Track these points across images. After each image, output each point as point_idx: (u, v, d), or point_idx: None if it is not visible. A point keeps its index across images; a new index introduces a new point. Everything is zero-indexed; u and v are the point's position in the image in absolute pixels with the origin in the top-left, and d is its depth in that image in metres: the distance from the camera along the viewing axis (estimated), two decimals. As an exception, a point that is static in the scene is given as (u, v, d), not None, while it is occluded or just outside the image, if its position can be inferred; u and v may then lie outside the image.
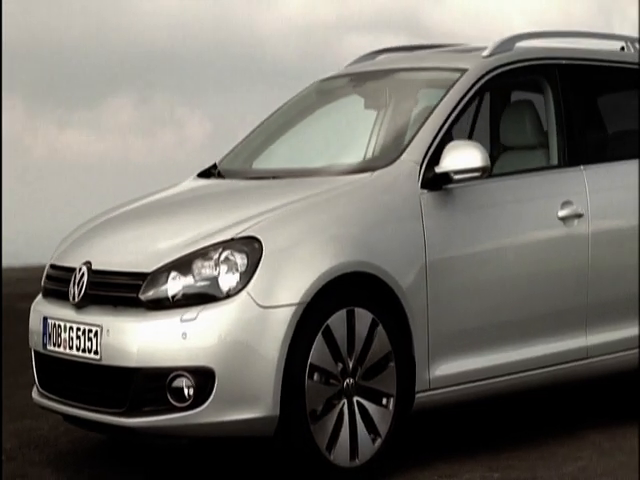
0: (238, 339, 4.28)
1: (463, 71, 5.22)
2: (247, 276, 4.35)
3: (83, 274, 4.67)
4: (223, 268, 4.38)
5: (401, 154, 4.88)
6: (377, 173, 4.84)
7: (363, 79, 5.78)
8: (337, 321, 4.47)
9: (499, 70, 5.27)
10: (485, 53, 5.36)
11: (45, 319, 4.80)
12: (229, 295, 4.32)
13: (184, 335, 4.29)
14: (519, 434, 5.37)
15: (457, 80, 5.15)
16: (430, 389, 4.76)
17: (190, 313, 4.32)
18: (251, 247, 4.39)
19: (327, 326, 4.44)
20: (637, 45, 6.03)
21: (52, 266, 5.03)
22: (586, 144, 5.47)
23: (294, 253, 4.44)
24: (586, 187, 5.37)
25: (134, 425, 4.39)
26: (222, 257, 4.39)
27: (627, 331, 5.48)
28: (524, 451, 5.00)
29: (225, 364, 4.28)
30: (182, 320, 4.31)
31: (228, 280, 4.36)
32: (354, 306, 4.52)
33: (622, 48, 6.18)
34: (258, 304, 4.32)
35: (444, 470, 4.71)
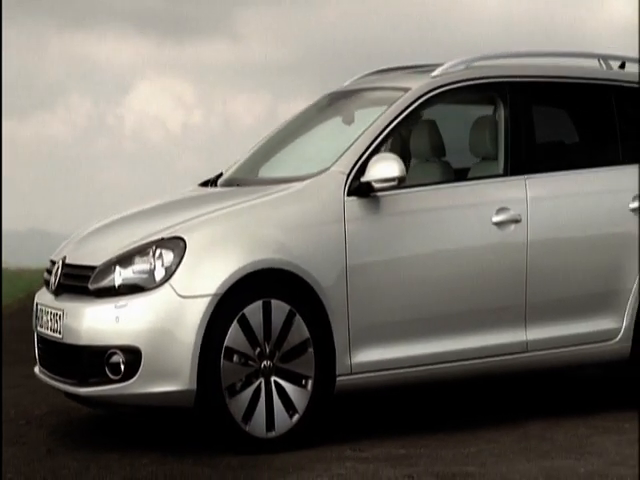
0: (160, 324, 5.07)
1: (406, 90, 5.79)
2: (171, 270, 5.12)
3: (59, 267, 5.58)
4: (154, 263, 5.16)
5: (331, 166, 5.53)
6: (306, 182, 5.50)
7: (343, 97, 6.41)
8: (253, 311, 5.17)
9: (444, 88, 5.81)
10: (434, 73, 5.91)
11: (37, 304, 5.74)
12: (156, 286, 5.12)
13: (117, 319, 5.12)
14: (443, 420, 5.93)
15: (397, 99, 5.74)
16: (352, 373, 5.38)
17: (123, 301, 5.14)
18: (177, 245, 5.16)
19: (243, 315, 5.15)
20: (608, 62, 6.40)
21: (50, 261, 5.95)
22: (531, 155, 5.91)
23: (214, 251, 5.18)
24: (527, 195, 5.83)
25: (84, 394, 5.26)
26: (154, 254, 5.18)
27: (567, 328, 5.90)
28: (434, 435, 5.54)
29: (149, 344, 5.07)
30: (116, 307, 5.14)
31: (157, 273, 5.15)
32: (271, 298, 5.21)
33: (622, 65, 6.53)
34: (179, 294, 5.09)
35: (357, 444, 5.31)
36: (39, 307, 5.69)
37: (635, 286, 6.05)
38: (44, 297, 5.71)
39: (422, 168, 6.09)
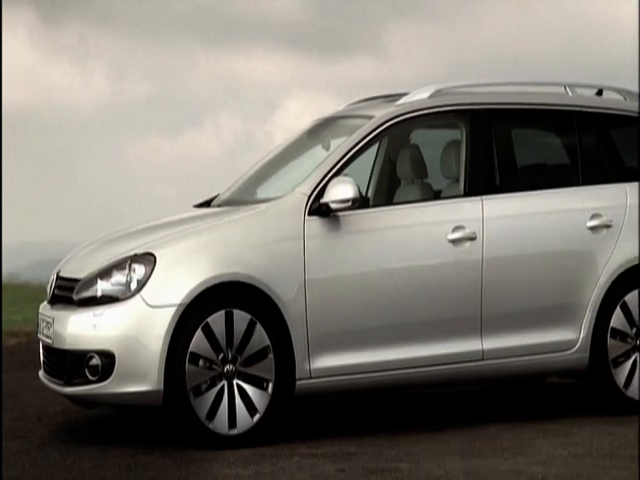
0: (131, 331, 5.67)
1: (370, 118, 6.29)
2: (143, 282, 5.72)
3: (54, 280, 6.21)
4: (128, 276, 5.76)
5: (294, 188, 6.05)
6: (270, 203, 6.04)
7: (326, 124, 6.92)
8: (216, 319, 5.74)
9: (406, 116, 6.30)
10: (399, 102, 6.39)
11: (38, 313, 6.38)
12: (129, 297, 5.71)
13: (95, 326, 5.73)
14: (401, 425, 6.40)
15: (360, 126, 6.23)
16: (311, 378, 5.89)
17: (100, 310, 5.75)
18: (148, 260, 5.76)
19: (207, 323, 5.72)
20: (575, 89, 6.78)
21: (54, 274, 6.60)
22: (489, 177, 6.35)
23: (181, 265, 5.75)
24: (483, 214, 6.26)
25: (68, 393, 5.89)
26: (129, 268, 5.77)
27: (524, 339, 6.31)
28: (391, 436, 6.00)
29: (122, 349, 5.67)
30: (94, 315, 5.75)
31: (131, 286, 5.74)
32: (233, 308, 5.76)
33: (599, 92, 6.92)
34: (148, 304, 5.68)
35: (315, 443, 5.82)
36: (39, 316, 6.34)
37: (592, 300, 6.45)
38: (43, 306, 6.36)
39: (407, 189, 6.59)
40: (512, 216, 6.37)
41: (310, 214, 5.99)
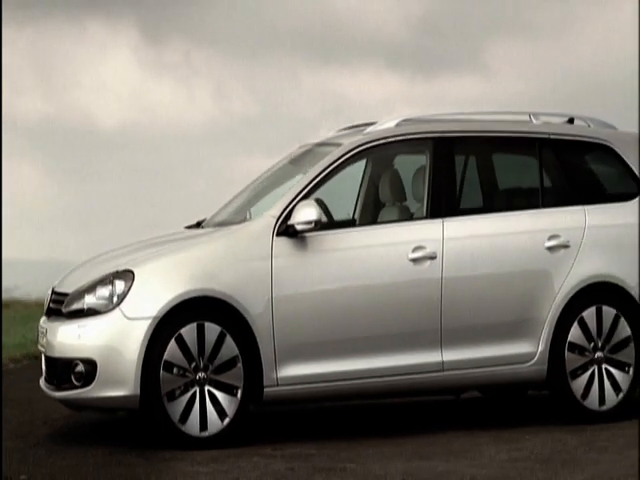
0: (111, 341, 6.25)
1: (338, 146, 6.79)
2: (122, 297, 6.29)
3: (50, 294, 6.81)
4: (110, 291, 6.33)
5: (266, 211, 6.58)
6: (242, 225, 6.60)
7: (306, 150, 7.43)
8: (188, 331, 6.29)
9: (372, 144, 6.80)
10: (366, 130, 6.88)
11: (38, 325, 6.98)
12: (109, 310, 6.28)
13: (79, 336, 6.32)
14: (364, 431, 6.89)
15: (329, 153, 6.74)
16: (278, 385, 6.41)
17: (84, 322, 6.34)
18: (127, 276, 6.34)
19: (180, 334, 6.28)
20: (539, 117, 7.21)
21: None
22: (451, 200, 6.81)
23: (157, 281, 6.32)
24: (443, 235, 6.72)
25: (58, 397, 6.48)
26: (111, 283, 6.34)
27: (483, 351, 6.75)
28: (357, 441, 6.49)
29: (103, 357, 6.24)
30: (79, 326, 6.35)
31: (113, 299, 6.30)
32: (204, 321, 6.30)
33: (570, 120, 7.35)
34: (126, 317, 6.25)
35: (282, 445, 6.32)
36: (39, 327, 6.94)
37: (550, 316, 6.86)
38: (42, 319, 6.96)
39: (388, 211, 7.09)
40: (472, 237, 6.82)
41: (278, 235, 6.52)
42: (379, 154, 7.05)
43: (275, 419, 7.31)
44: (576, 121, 7.49)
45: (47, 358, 6.61)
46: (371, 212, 7.46)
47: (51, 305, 6.76)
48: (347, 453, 6.13)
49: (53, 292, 6.82)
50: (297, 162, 7.42)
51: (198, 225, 7.40)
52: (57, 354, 6.44)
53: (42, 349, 6.69)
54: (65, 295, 6.60)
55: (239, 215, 7.19)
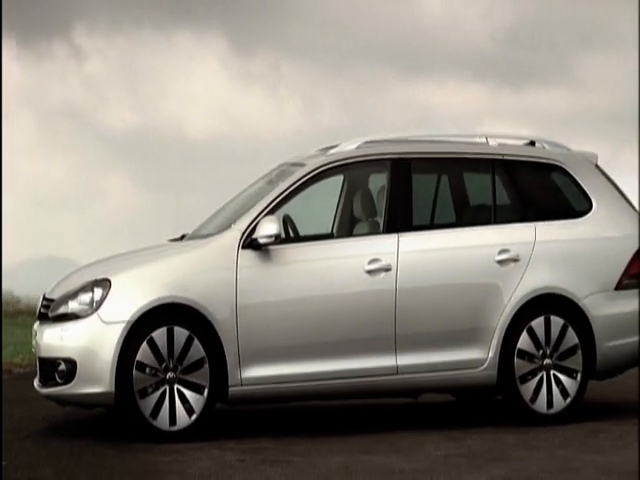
0: (89, 342, 6.92)
1: (302, 166, 7.39)
2: (100, 303, 6.95)
3: (42, 300, 7.49)
4: (90, 297, 6.99)
5: (231, 225, 7.20)
6: (209, 238, 7.24)
7: (281, 169, 8.03)
8: (159, 334, 6.94)
9: (334, 164, 7.41)
10: (330, 152, 7.48)
11: (33, 328, 7.67)
12: (88, 315, 6.95)
13: (62, 338, 7.00)
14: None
15: (291, 173, 7.35)
16: (242, 385, 7.02)
17: (66, 325, 7.01)
18: (105, 284, 7.01)
19: (151, 337, 6.92)
20: (495, 139, 7.74)
21: None
22: (406, 216, 7.37)
23: (131, 289, 6.99)
24: (398, 248, 7.27)
25: (44, 394, 7.17)
26: (91, 290, 7.00)
27: (435, 356, 7.29)
28: (314, 437, 7.10)
29: (82, 357, 6.91)
30: (61, 330, 7.03)
31: (91, 305, 6.96)
32: (174, 325, 6.95)
33: (531, 143, 7.87)
34: (103, 321, 6.91)
35: (246, 440, 6.92)
36: (33, 330, 7.63)
37: (499, 324, 7.38)
38: (36, 322, 7.64)
39: (361, 226, 7.69)
40: (426, 250, 7.38)
41: (244, 248, 7.15)
42: (350, 173, 7.71)
43: (243, 417, 7.93)
44: (537, 144, 8.01)
45: (38, 358, 7.30)
46: (346, 227, 8.05)
47: (42, 310, 7.44)
48: (299, 448, 6.72)
49: (44, 298, 7.51)
50: (272, 180, 8.03)
51: (182, 238, 8.05)
52: (43, 354, 7.14)
53: (33, 350, 7.38)
54: (51, 301, 7.30)
55: (219, 229, 7.82)
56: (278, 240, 7.12)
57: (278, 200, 7.31)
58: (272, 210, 7.28)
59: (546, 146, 7.91)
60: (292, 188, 7.35)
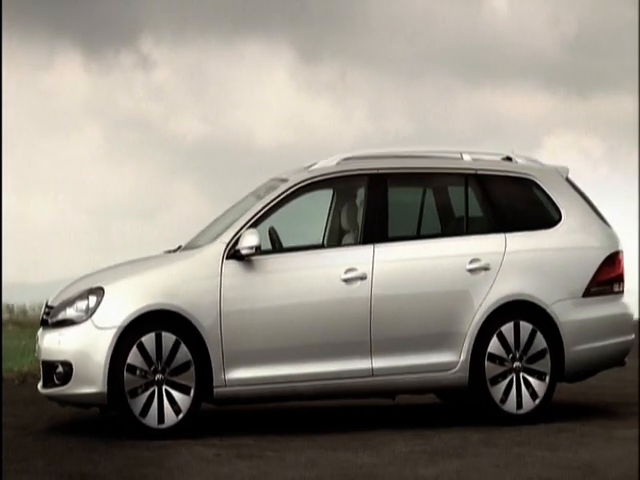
0: (84, 346, 7.49)
1: (284, 181, 7.90)
2: (94, 310, 7.52)
3: (44, 307, 8.06)
4: (85, 305, 7.55)
5: (216, 238, 7.73)
6: (197, 249, 7.79)
7: (270, 183, 8.53)
8: (148, 339, 7.50)
9: (315, 180, 7.91)
10: (311, 168, 7.97)
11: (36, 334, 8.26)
12: (83, 321, 7.51)
13: (59, 342, 7.57)
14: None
15: (275, 188, 7.85)
16: (226, 386, 7.54)
17: (63, 330, 7.59)
18: (99, 292, 7.57)
19: (141, 342, 7.48)
20: (469, 155, 8.19)
21: None
22: (382, 228, 7.85)
23: (123, 296, 7.55)
24: (373, 258, 7.75)
25: (44, 394, 7.75)
26: (86, 298, 7.56)
27: (409, 359, 7.76)
28: (284, 435, 7.60)
29: (78, 360, 7.49)
30: (59, 335, 7.62)
31: (86, 312, 7.52)
32: (162, 330, 7.49)
33: (507, 158, 8.31)
34: (96, 326, 7.48)
35: (229, 438, 7.44)
36: (37, 335, 8.22)
37: (470, 329, 7.83)
38: (40, 328, 8.23)
39: (347, 237, 8.19)
40: (400, 260, 7.87)
41: (228, 258, 7.69)
42: (336, 188, 8.29)
43: (229, 417, 8.47)
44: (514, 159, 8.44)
45: (40, 361, 7.88)
46: (335, 238, 8.56)
47: (44, 316, 8.03)
48: (277, 444, 7.22)
49: (46, 305, 8.09)
50: (260, 195, 8.55)
51: (178, 249, 8.59)
52: (44, 357, 7.73)
53: (36, 354, 7.96)
54: (52, 307, 7.88)
55: (209, 241, 8.33)
56: (259, 251, 7.65)
57: (261, 214, 7.84)
58: (255, 223, 7.81)
59: (520, 161, 8.35)
60: (274, 202, 7.87)
